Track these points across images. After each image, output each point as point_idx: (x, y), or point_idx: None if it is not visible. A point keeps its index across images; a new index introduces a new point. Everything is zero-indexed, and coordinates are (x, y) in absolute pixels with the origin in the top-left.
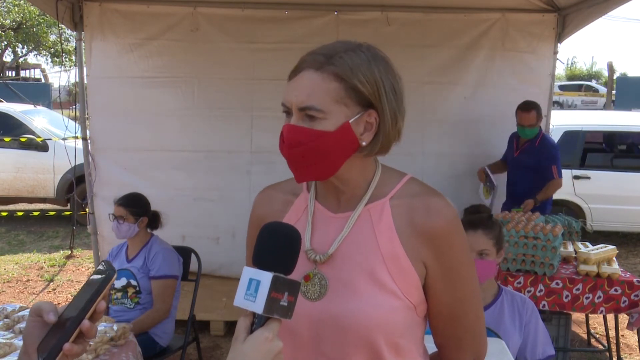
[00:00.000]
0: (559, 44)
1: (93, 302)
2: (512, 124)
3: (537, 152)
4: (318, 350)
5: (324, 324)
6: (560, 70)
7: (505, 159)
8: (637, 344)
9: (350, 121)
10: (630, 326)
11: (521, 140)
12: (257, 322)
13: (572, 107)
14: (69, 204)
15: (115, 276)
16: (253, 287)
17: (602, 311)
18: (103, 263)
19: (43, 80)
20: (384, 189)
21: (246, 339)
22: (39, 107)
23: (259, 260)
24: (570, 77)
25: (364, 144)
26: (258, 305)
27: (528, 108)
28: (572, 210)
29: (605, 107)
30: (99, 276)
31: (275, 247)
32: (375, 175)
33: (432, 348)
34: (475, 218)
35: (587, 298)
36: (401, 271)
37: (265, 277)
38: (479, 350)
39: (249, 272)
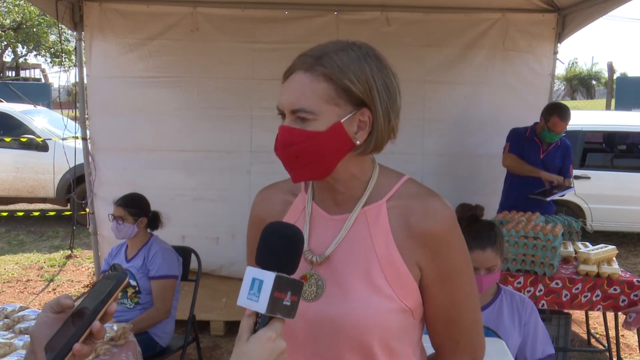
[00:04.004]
0: (559, 44)
1: (104, 303)
2: (511, 124)
3: (561, 152)
4: (313, 350)
5: (319, 325)
6: (560, 70)
7: (519, 156)
8: (637, 344)
9: (342, 121)
10: (626, 325)
11: (545, 142)
12: (261, 321)
13: None
14: (69, 204)
15: (127, 279)
16: (256, 287)
17: (599, 308)
18: (114, 266)
19: (43, 80)
20: (381, 191)
21: (249, 338)
22: (39, 107)
23: (262, 260)
24: (569, 77)
25: (358, 142)
26: (261, 305)
27: (566, 117)
28: (572, 210)
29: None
30: (111, 278)
31: (278, 247)
32: (372, 176)
33: (429, 349)
34: (479, 235)
35: (585, 296)
36: (397, 274)
37: (268, 277)
38: (477, 352)
39: (252, 272)
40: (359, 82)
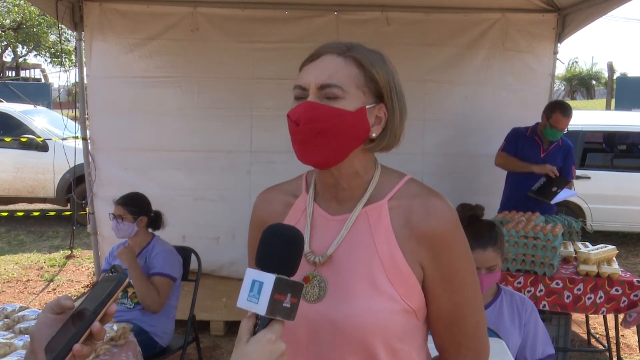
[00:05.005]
0: (559, 44)
1: (105, 304)
2: (511, 124)
3: (563, 153)
4: (315, 352)
5: (322, 326)
6: (560, 70)
7: (517, 156)
8: (637, 344)
9: (367, 107)
10: (625, 324)
11: (546, 141)
12: (260, 323)
13: None
14: (69, 204)
15: (127, 280)
16: (256, 289)
17: (603, 312)
18: (115, 267)
19: (43, 80)
20: (382, 190)
21: (249, 340)
22: (39, 107)
23: (262, 262)
24: (569, 77)
25: (373, 135)
26: (261, 307)
27: (568, 113)
28: (572, 210)
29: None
30: (111, 279)
31: (277, 248)
32: (374, 175)
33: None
34: (479, 235)
35: (589, 299)
36: (399, 275)
37: (268, 279)
38: (480, 354)
39: (252, 274)
40: (383, 76)
